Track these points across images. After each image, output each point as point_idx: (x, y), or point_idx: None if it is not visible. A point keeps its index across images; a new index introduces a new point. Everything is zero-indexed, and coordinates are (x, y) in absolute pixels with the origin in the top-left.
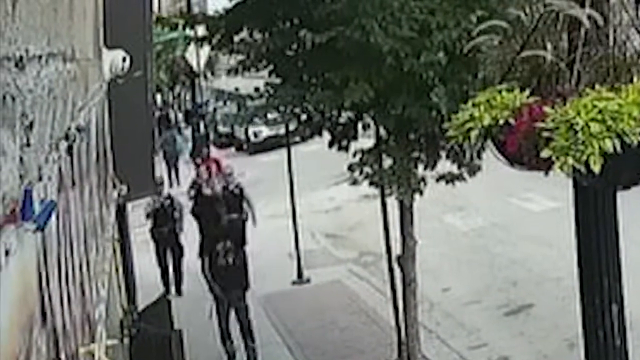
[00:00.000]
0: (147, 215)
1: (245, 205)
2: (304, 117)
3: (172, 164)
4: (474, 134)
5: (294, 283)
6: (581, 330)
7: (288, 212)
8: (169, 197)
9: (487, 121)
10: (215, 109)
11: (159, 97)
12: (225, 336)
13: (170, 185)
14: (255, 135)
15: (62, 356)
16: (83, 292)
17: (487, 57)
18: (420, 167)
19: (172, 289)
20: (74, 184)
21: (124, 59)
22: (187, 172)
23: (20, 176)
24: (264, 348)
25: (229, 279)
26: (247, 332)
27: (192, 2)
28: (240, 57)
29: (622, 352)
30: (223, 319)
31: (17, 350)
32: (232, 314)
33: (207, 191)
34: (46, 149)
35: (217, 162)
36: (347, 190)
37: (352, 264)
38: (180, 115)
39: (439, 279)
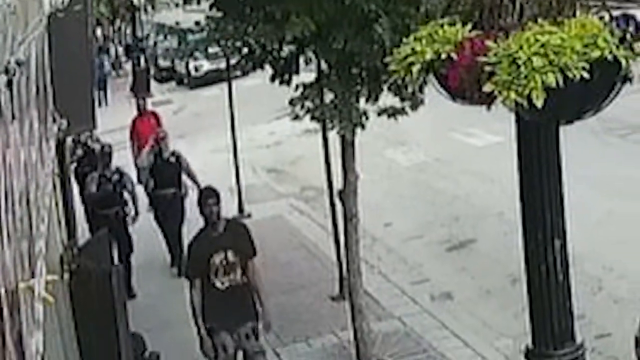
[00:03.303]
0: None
1: (184, 176)
2: (245, 50)
3: (101, 87)
4: (415, 68)
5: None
6: (524, 265)
7: (229, 147)
8: (117, 170)
9: (429, 55)
10: (155, 43)
11: (99, 31)
12: None
13: (99, 104)
14: (196, 69)
15: (2, 291)
16: (23, 227)
17: None
18: (362, 101)
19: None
20: (13, 118)
21: None
22: (127, 105)
23: None
24: None
25: (232, 309)
26: None
27: None
28: None
29: (564, 288)
30: None
31: None
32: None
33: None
34: None
35: (156, 116)
36: (289, 125)
37: (293, 199)
38: (120, 49)
39: (380, 214)
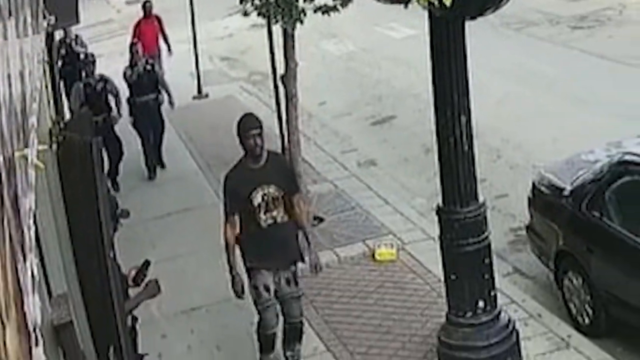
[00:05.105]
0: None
1: (160, 86)
2: None
3: None
4: None
5: (194, 98)
6: (435, 137)
7: (190, 38)
8: (102, 78)
9: None
10: None
11: None
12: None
13: None
14: None
15: (0, 158)
16: (19, 105)
17: None
18: (301, 0)
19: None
20: (10, 14)
21: None
22: (104, 3)
23: None
24: (171, 152)
25: (275, 250)
26: (293, 340)
27: None
28: None
29: (469, 156)
30: (271, 321)
31: None
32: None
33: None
34: None
35: (159, 20)
36: (239, 20)
37: (243, 82)
38: None
39: (316, 95)
